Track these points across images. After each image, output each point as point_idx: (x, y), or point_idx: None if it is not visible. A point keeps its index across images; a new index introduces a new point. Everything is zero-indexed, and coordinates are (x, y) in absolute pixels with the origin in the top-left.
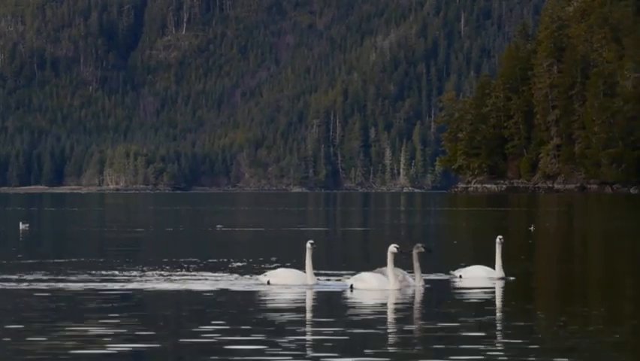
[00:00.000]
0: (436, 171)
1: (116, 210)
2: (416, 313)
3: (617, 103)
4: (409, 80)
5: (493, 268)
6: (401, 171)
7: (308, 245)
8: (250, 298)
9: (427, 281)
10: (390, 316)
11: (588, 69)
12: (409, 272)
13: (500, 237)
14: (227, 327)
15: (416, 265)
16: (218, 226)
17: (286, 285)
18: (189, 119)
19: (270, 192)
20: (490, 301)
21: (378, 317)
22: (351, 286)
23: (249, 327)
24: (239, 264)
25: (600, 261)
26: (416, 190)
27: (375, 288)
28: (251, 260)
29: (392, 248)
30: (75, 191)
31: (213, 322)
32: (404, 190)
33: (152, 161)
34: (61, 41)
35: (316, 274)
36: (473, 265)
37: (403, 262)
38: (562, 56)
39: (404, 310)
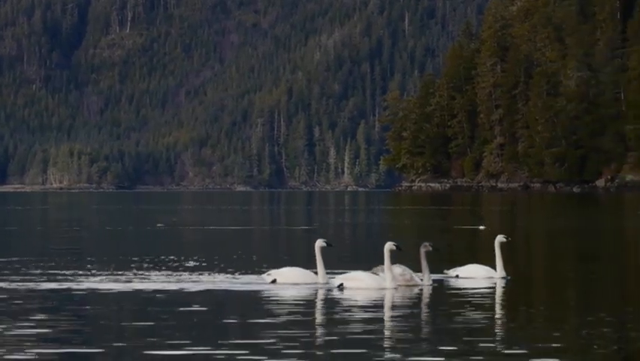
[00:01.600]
0: (380, 170)
1: (57, 209)
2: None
3: (560, 102)
4: (353, 79)
5: (489, 267)
6: (345, 170)
7: (318, 244)
8: (255, 298)
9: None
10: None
11: (531, 68)
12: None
13: (502, 235)
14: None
15: (424, 263)
16: (159, 224)
17: (293, 284)
18: (133, 118)
19: (214, 191)
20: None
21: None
22: (340, 286)
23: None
24: (180, 263)
25: (545, 260)
26: (360, 189)
27: (368, 287)
28: (186, 259)
29: (390, 245)
30: (19, 190)
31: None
32: (348, 189)
33: (95, 160)
34: (4, 40)
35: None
36: (469, 264)
37: (397, 260)
38: (505, 55)
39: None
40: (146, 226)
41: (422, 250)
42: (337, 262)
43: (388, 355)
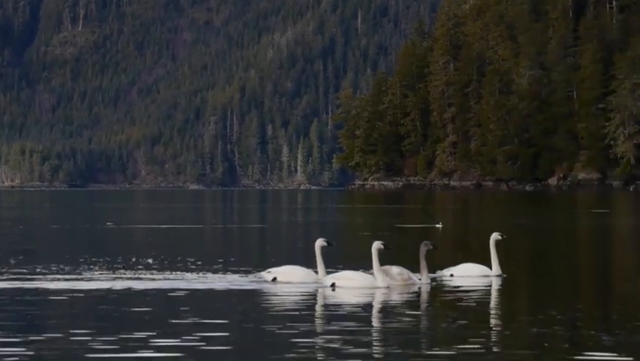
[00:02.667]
0: (333, 168)
1: (8, 208)
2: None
3: (512, 100)
4: (306, 77)
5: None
6: (298, 168)
7: (318, 243)
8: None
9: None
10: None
11: (484, 67)
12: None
13: (497, 233)
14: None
15: (423, 263)
16: (108, 223)
17: (294, 282)
18: (85, 115)
19: (167, 190)
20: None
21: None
22: (333, 285)
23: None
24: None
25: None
26: (313, 187)
27: (360, 286)
28: (143, 257)
29: (377, 245)
30: None
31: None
32: (301, 187)
33: (47, 158)
34: None
35: (235, 272)
36: (464, 263)
37: (389, 259)
38: (458, 53)
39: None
40: (95, 224)
41: (423, 248)
42: (290, 262)
43: (379, 355)
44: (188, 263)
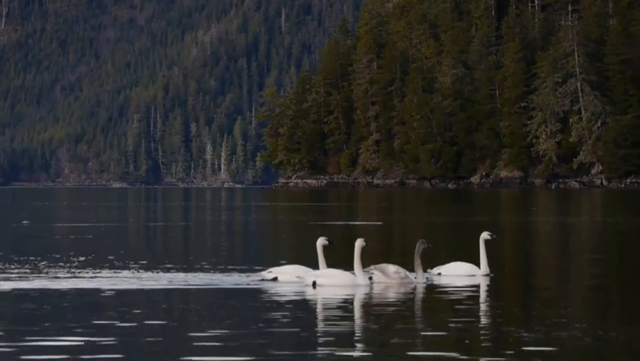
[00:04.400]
0: (257, 166)
1: None
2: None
3: (435, 99)
4: (230, 75)
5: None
6: (222, 166)
7: (319, 242)
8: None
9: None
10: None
11: (407, 65)
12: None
13: (487, 233)
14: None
15: (418, 261)
16: (24, 221)
17: (295, 281)
18: (8, 114)
19: (90, 188)
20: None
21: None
22: (314, 283)
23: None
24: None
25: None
26: (237, 185)
27: (342, 284)
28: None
29: (360, 242)
30: None
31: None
32: (225, 185)
33: None
34: None
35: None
36: (453, 262)
37: (378, 259)
38: (381, 52)
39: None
40: (11, 222)
41: (420, 247)
42: (216, 261)
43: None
44: (102, 262)
